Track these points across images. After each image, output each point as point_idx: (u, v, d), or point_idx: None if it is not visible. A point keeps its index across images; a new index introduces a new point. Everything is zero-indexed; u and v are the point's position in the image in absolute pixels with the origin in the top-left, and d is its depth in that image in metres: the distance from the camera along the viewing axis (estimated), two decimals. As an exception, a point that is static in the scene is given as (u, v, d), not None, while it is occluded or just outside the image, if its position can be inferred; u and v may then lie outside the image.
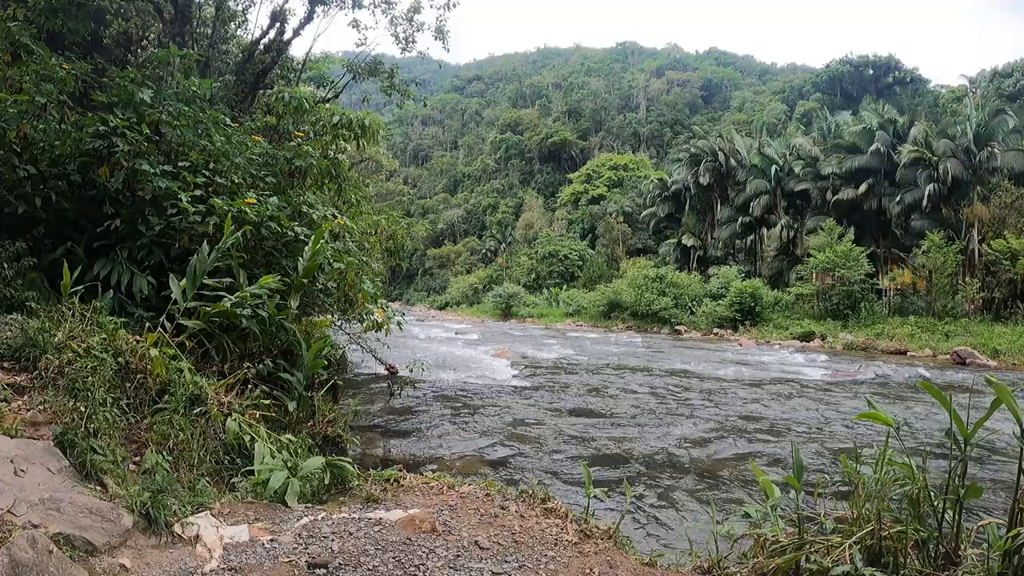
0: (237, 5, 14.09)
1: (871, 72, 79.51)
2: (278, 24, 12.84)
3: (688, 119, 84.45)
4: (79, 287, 4.69)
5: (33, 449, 3.30)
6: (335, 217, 7.11)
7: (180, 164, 6.04)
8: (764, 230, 40.87)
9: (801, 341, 27.99)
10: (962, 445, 2.79)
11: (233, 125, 7.46)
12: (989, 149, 30.24)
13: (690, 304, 36.38)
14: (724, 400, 11.45)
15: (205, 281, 4.86)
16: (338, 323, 8.58)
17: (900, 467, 3.01)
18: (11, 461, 3.11)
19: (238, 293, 4.95)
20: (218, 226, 5.36)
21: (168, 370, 4.22)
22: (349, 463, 4.39)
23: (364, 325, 8.55)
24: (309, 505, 3.88)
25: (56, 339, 4.08)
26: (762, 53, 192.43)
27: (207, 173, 6.09)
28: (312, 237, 5.84)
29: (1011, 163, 29.94)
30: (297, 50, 64.65)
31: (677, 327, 34.74)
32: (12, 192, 5.48)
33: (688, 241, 46.15)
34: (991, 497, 5.63)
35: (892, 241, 34.57)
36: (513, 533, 3.56)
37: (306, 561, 3.01)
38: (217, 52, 12.66)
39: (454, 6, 14.41)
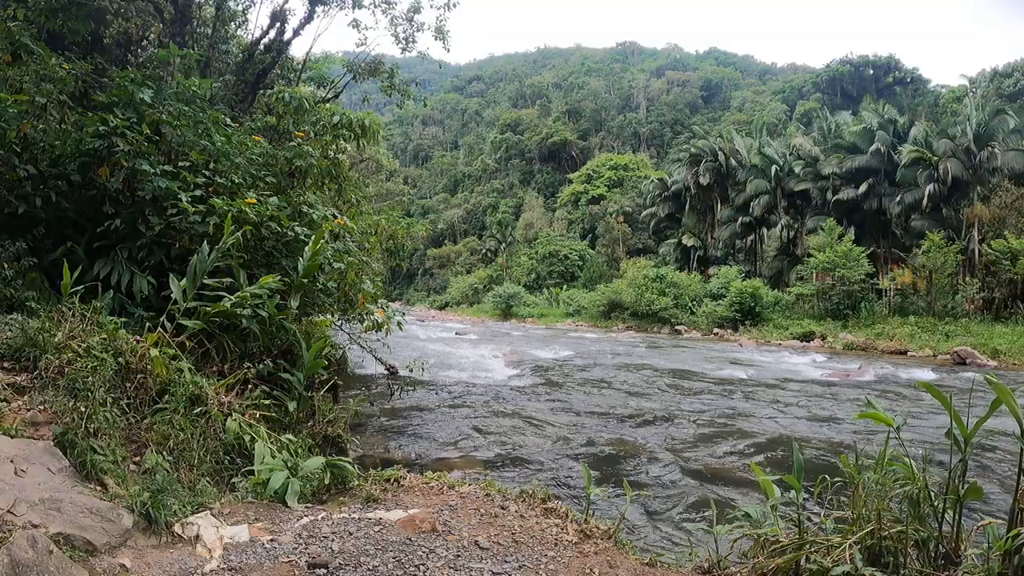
0: (237, 5, 14.10)
1: (871, 72, 79.56)
2: (278, 24, 12.84)
3: (688, 119, 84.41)
4: (79, 287, 4.69)
5: (33, 449, 3.30)
6: (335, 217, 7.11)
7: (180, 164, 6.04)
8: (764, 230, 40.85)
9: (801, 341, 27.99)
10: (962, 445, 2.79)
11: (233, 125, 7.46)
12: (989, 149, 30.24)
13: (690, 304, 36.37)
14: (724, 400, 11.45)
15: (205, 281, 4.85)
16: (338, 323, 8.59)
17: (900, 467, 3.01)
18: (11, 461, 3.11)
19: (238, 293, 4.94)
20: (218, 226, 5.36)
21: (168, 370, 4.22)
22: (349, 463, 4.39)
23: (364, 325, 8.56)
24: (309, 505, 3.88)
25: (56, 339, 4.08)
26: (762, 53, 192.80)
27: (207, 173, 6.09)
28: (312, 237, 5.84)
29: (1011, 163, 29.95)
30: (297, 50, 64.56)
31: (677, 327, 34.73)
32: (12, 192, 5.49)
33: (688, 241, 46.14)
34: (991, 497, 5.62)
35: (892, 241, 34.58)
36: (513, 533, 3.55)
37: (306, 561, 3.01)
38: (217, 52, 12.66)
39: (454, 6, 14.41)
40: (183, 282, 4.79)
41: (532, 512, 3.94)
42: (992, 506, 5.20)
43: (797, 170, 39.89)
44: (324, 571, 2.94)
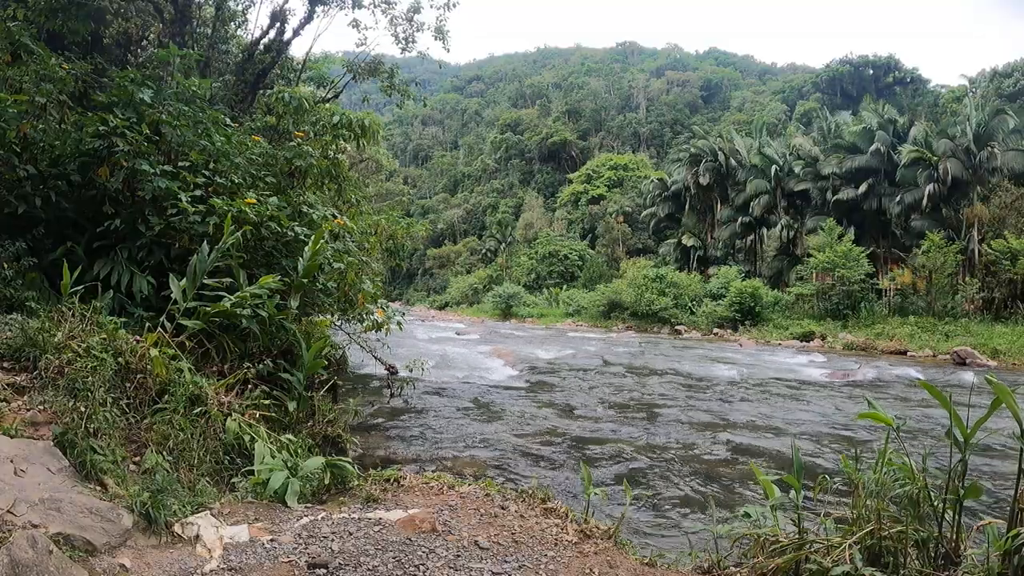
0: (237, 5, 14.11)
1: (871, 72, 79.54)
2: (278, 24, 12.84)
3: (688, 119, 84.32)
4: (79, 287, 4.69)
5: (33, 449, 3.30)
6: (335, 217, 7.11)
7: (180, 164, 6.04)
8: (764, 230, 40.85)
9: (801, 341, 27.99)
10: (962, 445, 2.79)
11: (233, 125, 7.46)
12: (989, 149, 30.24)
13: (690, 304, 36.37)
14: (724, 400, 11.45)
15: (205, 281, 4.85)
16: (338, 323, 8.58)
17: (900, 467, 3.01)
18: (11, 461, 3.11)
19: (238, 293, 4.94)
20: (218, 226, 5.36)
21: (168, 370, 4.22)
22: (349, 463, 4.39)
23: (364, 325, 8.56)
24: (309, 505, 3.88)
25: (56, 339, 4.08)
26: (762, 53, 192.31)
27: (207, 173, 6.09)
28: (312, 237, 5.84)
29: (1011, 163, 29.96)
30: (297, 50, 64.49)
31: (677, 327, 34.73)
32: (12, 192, 5.49)
33: (688, 241, 46.13)
34: (991, 497, 5.62)
35: (892, 241, 34.59)
36: (513, 533, 3.55)
37: (306, 561, 3.01)
38: (217, 52, 12.66)
39: (454, 6, 14.40)
40: (183, 282, 4.79)
41: (532, 512, 3.94)
42: (992, 506, 5.20)
43: (797, 170, 39.90)
44: (324, 571, 2.94)
